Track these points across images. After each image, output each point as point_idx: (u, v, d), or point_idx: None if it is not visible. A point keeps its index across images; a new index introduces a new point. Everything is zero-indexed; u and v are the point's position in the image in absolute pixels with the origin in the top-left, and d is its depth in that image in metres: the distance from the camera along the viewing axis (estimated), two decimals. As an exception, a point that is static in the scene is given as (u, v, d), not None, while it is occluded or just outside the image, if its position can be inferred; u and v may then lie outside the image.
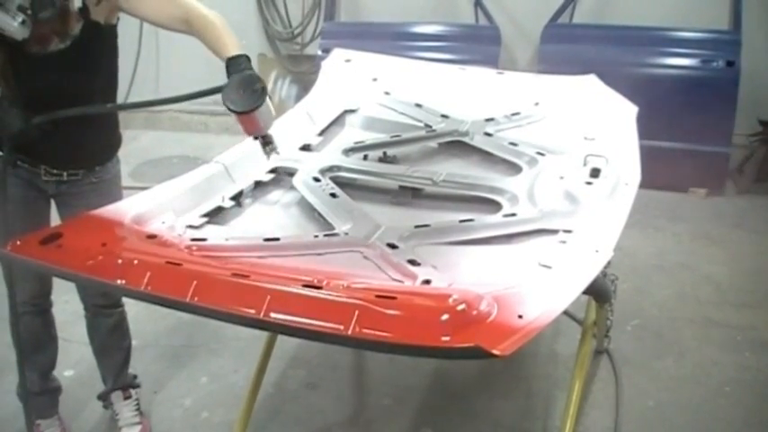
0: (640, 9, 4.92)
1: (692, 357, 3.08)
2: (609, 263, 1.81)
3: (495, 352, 1.19)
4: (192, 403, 2.84)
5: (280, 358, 2.93)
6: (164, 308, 1.59)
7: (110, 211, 1.81)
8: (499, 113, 2.62)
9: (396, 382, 2.92)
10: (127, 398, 2.68)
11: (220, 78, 1.93)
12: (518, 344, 1.24)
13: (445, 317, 1.28)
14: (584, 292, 1.70)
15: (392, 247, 1.73)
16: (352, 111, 2.66)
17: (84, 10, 2.07)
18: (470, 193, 2.12)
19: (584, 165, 2.17)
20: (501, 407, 2.80)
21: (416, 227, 1.85)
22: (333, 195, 2.02)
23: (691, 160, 4.57)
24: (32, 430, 2.31)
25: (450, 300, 1.32)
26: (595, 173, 2.11)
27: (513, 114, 2.62)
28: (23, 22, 1.90)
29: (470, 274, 1.65)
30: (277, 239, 1.78)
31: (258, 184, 2.15)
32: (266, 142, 2.01)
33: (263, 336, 2.65)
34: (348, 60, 3.00)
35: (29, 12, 1.90)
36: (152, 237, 1.70)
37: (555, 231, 1.82)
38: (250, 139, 2.05)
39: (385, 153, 2.36)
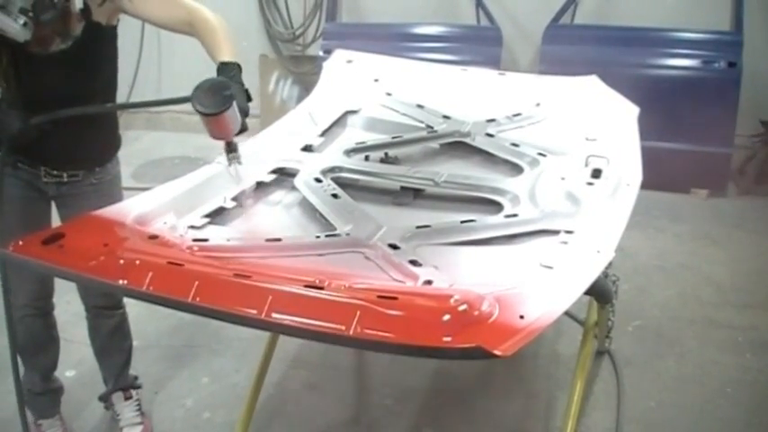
0: (642, 10, 4.91)
1: (693, 358, 3.08)
2: (610, 263, 1.82)
3: (497, 352, 1.19)
4: (194, 404, 2.84)
5: (281, 359, 2.93)
6: (165, 308, 1.59)
7: (111, 211, 1.81)
8: (501, 114, 2.62)
9: (397, 383, 2.92)
10: (128, 398, 2.68)
11: (220, 79, 1.93)
12: (519, 344, 1.24)
13: (447, 317, 1.29)
14: (586, 293, 1.70)
15: (393, 247, 1.73)
16: (354, 111, 2.66)
17: (85, 11, 2.07)
18: (472, 194, 2.11)
19: (586, 165, 2.16)
20: (502, 407, 2.80)
21: (418, 227, 1.84)
22: (334, 196, 2.02)
23: (692, 161, 4.57)
24: (27, 431, 2.30)
25: (452, 300, 1.32)
26: (597, 173, 2.11)
27: (515, 115, 2.62)
28: (25, 25, 1.90)
29: (472, 274, 1.64)
30: (279, 240, 1.78)
31: (260, 185, 2.15)
32: (230, 149, 1.99)
33: (264, 336, 2.65)
34: (350, 61, 3.00)
35: (31, 14, 1.90)
36: (154, 237, 1.70)
37: (556, 232, 1.82)
38: (250, 141, 2.04)
39: (386, 154, 2.36)
